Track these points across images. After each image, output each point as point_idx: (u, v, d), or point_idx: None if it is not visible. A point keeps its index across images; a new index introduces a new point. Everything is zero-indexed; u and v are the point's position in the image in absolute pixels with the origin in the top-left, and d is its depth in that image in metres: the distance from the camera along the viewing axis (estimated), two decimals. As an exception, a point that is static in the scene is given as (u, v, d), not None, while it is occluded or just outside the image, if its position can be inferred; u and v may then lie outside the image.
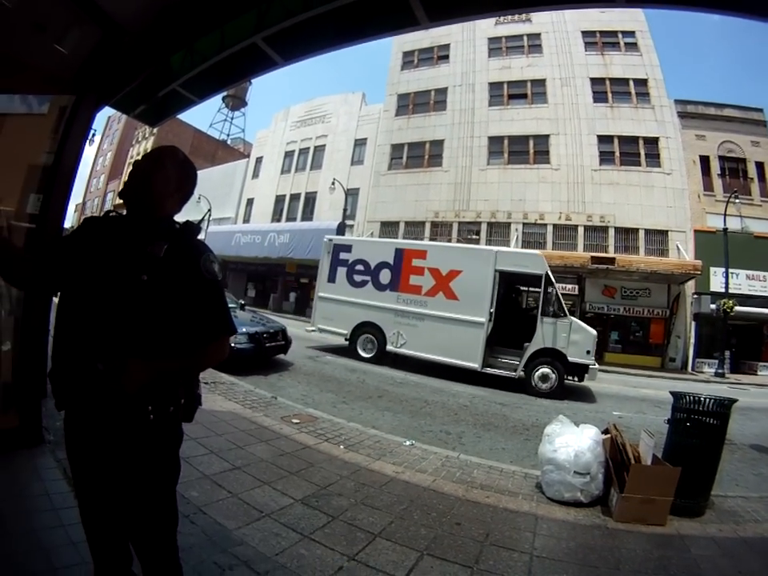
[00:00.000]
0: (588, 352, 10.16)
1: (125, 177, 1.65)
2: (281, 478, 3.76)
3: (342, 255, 12.75)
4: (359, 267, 12.40)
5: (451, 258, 11.46)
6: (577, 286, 21.36)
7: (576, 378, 10.34)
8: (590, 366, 10.13)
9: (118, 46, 3.26)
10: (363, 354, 12.00)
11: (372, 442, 5.06)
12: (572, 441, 3.95)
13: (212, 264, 1.61)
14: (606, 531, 3.46)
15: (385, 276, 11.98)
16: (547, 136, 24.18)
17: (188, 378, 1.64)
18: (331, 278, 12.81)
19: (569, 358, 10.05)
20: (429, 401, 8.16)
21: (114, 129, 57.08)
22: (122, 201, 1.64)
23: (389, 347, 11.68)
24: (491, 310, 10.48)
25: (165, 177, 1.62)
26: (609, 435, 4.18)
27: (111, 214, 1.68)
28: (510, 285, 11.80)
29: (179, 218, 1.71)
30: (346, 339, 12.42)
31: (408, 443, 5.15)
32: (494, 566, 2.79)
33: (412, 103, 28.46)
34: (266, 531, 2.87)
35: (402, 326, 11.58)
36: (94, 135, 31.40)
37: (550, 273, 10.55)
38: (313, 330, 13.17)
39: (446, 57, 28.21)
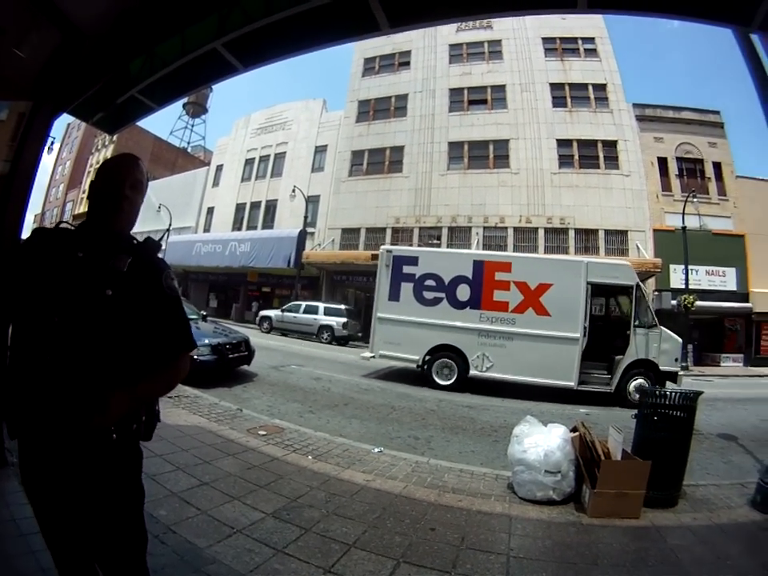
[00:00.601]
0: (676, 360, 10.14)
1: (93, 185, 1.58)
2: (250, 492, 3.69)
3: (407, 269, 11.08)
4: (430, 282, 10.81)
5: (540, 271, 10.48)
6: None
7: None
8: (678, 374, 10.06)
9: (77, 50, 3.17)
10: (440, 382, 10.54)
11: (340, 451, 5.03)
12: (541, 440, 4.00)
13: (173, 281, 1.63)
14: (581, 527, 3.52)
15: (463, 292, 10.59)
16: (507, 141, 24.75)
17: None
18: (393, 296, 11.07)
19: (660, 368, 9.88)
20: (395, 406, 8.19)
21: (74, 136, 55.31)
22: (87, 210, 1.60)
23: (472, 372, 10.43)
24: (585, 325, 9.94)
25: (139, 193, 1.61)
26: (577, 433, 4.24)
27: (61, 226, 1.62)
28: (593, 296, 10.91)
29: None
30: (417, 366, 10.94)
31: (377, 450, 5.14)
32: (471, 569, 2.80)
33: (372, 110, 28.67)
34: (239, 548, 2.81)
35: (488, 348, 10.38)
36: (53, 143, 30.39)
37: (640, 283, 10.41)
38: (371, 357, 11.24)
39: (407, 63, 28.59)
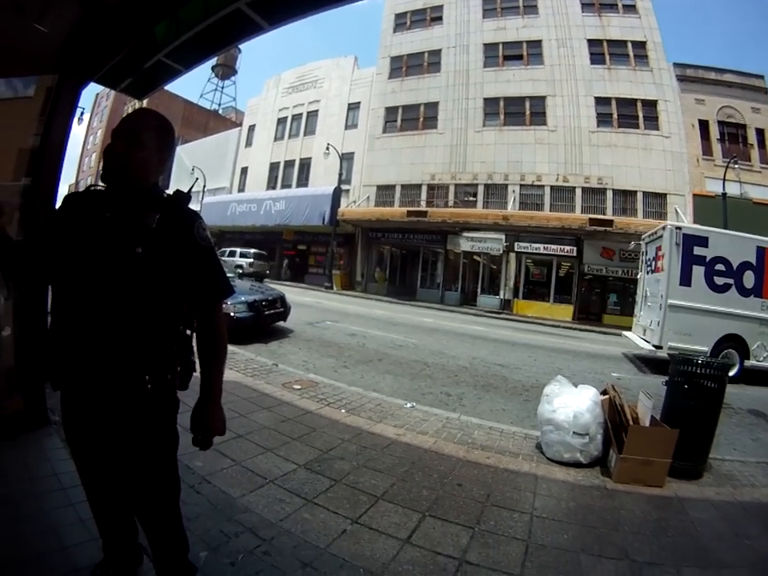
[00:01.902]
0: None
1: (102, 159, 1.57)
2: (283, 444, 3.78)
3: (697, 250, 9.88)
4: (720, 267, 9.83)
5: None
6: (575, 248, 21.24)
7: None
8: None
9: (99, 21, 3.11)
10: None
11: (373, 405, 5.09)
12: (571, 401, 3.95)
13: (204, 231, 1.62)
14: (605, 492, 3.49)
15: (748, 279, 9.80)
16: (544, 97, 23.70)
17: (184, 346, 1.64)
18: (684, 281, 9.79)
19: None
20: (429, 363, 8.19)
21: (103, 106, 55.85)
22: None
23: (750, 362, 9.73)
24: None
25: (145, 153, 1.55)
26: (607, 396, 4.18)
27: (94, 189, 1.63)
28: None
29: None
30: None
31: (409, 405, 5.18)
32: (495, 526, 2.82)
33: (405, 66, 27.80)
34: (270, 498, 2.89)
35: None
36: (82, 114, 30.88)
37: None
38: (658, 348, 9.95)
39: (440, 18, 27.42)
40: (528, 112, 23.92)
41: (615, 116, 22.59)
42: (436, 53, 26.97)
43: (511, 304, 21.94)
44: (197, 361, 1.69)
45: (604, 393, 4.26)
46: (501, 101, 24.58)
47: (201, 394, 1.64)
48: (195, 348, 1.68)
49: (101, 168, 1.57)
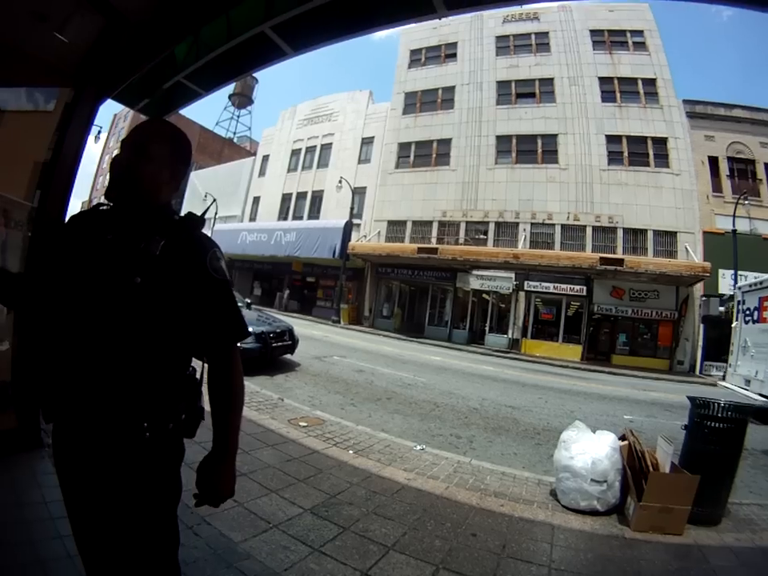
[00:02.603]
0: None
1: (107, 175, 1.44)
2: (289, 486, 3.63)
3: None
4: None
5: None
6: (585, 287, 21.11)
7: None
8: None
9: (121, 36, 3.13)
10: None
11: (382, 447, 4.93)
12: (589, 448, 3.82)
13: (219, 261, 1.40)
14: (623, 541, 3.33)
15: None
16: (555, 135, 24.02)
17: (191, 391, 1.47)
18: None
19: None
20: (438, 403, 8.02)
21: (120, 127, 57.22)
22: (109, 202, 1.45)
23: None
24: None
25: (154, 167, 1.41)
26: (626, 442, 4.04)
27: (101, 208, 1.48)
28: None
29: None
30: None
31: (419, 448, 5.03)
32: None
33: (419, 102, 28.33)
34: (274, 544, 2.73)
35: None
36: (99, 132, 31.52)
37: None
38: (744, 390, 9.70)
39: (454, 55, 28.07)
40: (540, 150, 24.19)
41: (626, 154, 22.76)
42: (450, 89, 27.50)
43: (519, 343, 21.70)
44: (206, 407, 1.50)
45: (623, 438, 4.13)
46: (513, 138, 24.92)
47: (214, 448, 1.42)
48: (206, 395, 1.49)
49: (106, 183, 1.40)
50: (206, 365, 1.48)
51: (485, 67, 26.71)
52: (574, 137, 23.54)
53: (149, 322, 1.31)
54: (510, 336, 22.08)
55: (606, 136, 23.15)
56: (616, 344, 21.48)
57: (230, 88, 57.56)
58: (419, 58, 29.40)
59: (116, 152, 1.42)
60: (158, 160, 1.41)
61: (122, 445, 1.33)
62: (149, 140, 1.41)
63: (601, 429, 4.19)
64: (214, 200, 26.34)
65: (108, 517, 1.40)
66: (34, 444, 3.33)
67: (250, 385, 6.87)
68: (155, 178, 1.41)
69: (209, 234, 1.60)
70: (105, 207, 1.48)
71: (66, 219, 1.56)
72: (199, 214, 1.50)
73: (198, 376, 1.50)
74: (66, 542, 2.20)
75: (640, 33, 24.21)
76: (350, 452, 4.64)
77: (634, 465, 3.80)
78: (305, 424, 5.38)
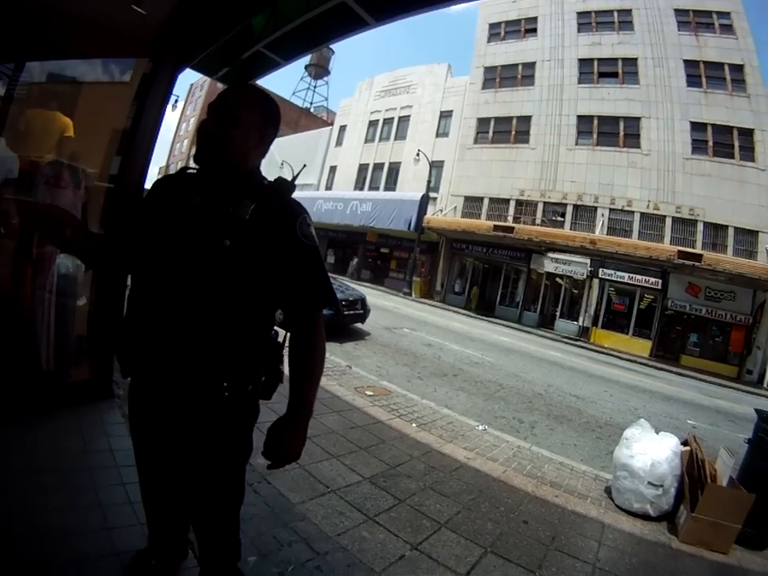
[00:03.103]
0: None
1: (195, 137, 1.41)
2: (350, 453, 3.69)
3: None
4: None
5: None
6: (660, 281, 19.69)
7: None
8: None
9: (198, 7, 3.17)
10: None
11: (445, 423, 4.93)
12: (650, 449, 3.66)
13: (309, 227, 1.41)
14: (669, 551, 3.18)
15: None
16: (638, 119, 22.21)
17: (272, 355, 1.48)
18: None
19: None
20: (504, 385, 7.90)
21: (197, 96, 59.09)
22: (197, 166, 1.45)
23: None
24: None
25: (244, 132, 1.39)
26: (688, 447, 3.85)
27: (189, 172, 1.50)
28: None
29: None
30: None
31: (481, 428, 4.98)
32: (555, 573, 2.61)
33: (499, 77, 27.12)
34: (330, 508, 2.79)
35: None
36: (176, 101, 32.74)
37: None
38: None
39: (534, 30, 26.53)
40: (622, 133, 22.55)
41: (710, 143, 20.65)
42: (530, 65, 26.17)
43: (589, 332, 20.81)
44: (286, 371, 1.51)
45: (685, 443, 3.93)
46: (594, 119, 23.40)
47: (287, 412, 1.41)
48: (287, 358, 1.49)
49: (193, 150, 1.40)
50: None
51: (566, 44, 25.06)
52: (658, 121, 21.67)
53: (236, 285, 1.33)
54: (580, 323, 21.21)
55: (691, 123, 21.08)
56: (686, 343, 20.00)
57: (306, 59, 57.67)
58: (498, 31, 28.05)
59: (203, 117, 1.41)
60: (247, 124, 1.40)
61: (201, 402, 1.37)
62: (238, 104, 1.39)
63: (664, 430, 4.02)
64: (304, 165, 26.63)
65: (182, 468, 1.49)
66: (105, 395, 3.49)
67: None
68: (244, 143, 1.40)
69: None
70: (192, 171, 1.50)
71: (153, 182, 1.58)
72: (286, 179, 1.48)
73: (280, 340, 1.51)
74: (128, 488, 2.33)
75: (726, 15, 21.62)
76: (414, 425, 4.66)
77: (693, 473, 3.60)
78: (371, 393, 5.45)
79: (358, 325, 10.05)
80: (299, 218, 1.39)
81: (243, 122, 1.38)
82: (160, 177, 1.58)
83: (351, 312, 9.46)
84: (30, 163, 3.19)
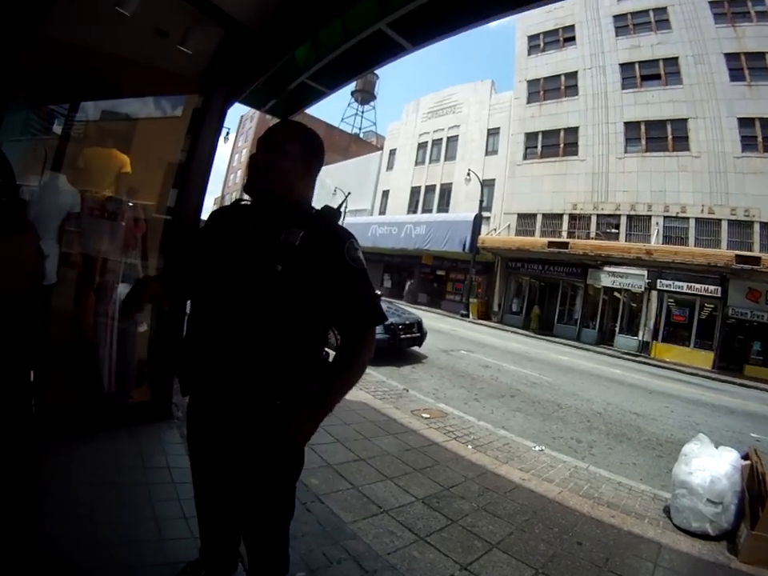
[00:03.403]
0: None
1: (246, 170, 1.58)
2: (404, 474, 3.71)
3: None
4: None
5: None
6: (719, 288, 18.52)
7: None
8: None
9: (242, 43, 3.40)
10: None
11: (500, 444, 4.86)
12: (709, 464, 3.48)
13: (356, 252, 1.50)
14: (728, 572, 2.99)
15: None
16: (685, 120, 21.28)
17: (323, 374, 1.54)
18: None
19: None
20: (562, 404, 7.71)
21: (248, 127, 61.51)
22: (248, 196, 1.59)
23: None
24: None
25: (289, 164, 1.52)
26: (749, 462, 3.62)
27: (242, 203, 1.63)
28: None
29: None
30: None
31: (537, 448, 4.88)
32: None
33: (542, 89, 26.89)
34: (382, 528, 2.82)
35: None
36: (228, 133, 34.13)
37: None
38: None
39: (572, 39, 26.18)
40: (670, 136, 21.70)
41: (759, 139, 19.43)
42: (572, 75, 25.78)
43: (649, 346, 19.81)
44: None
45: (746, 457, 3.70)
46: (642, 125, 22.66)
47: (307, 402, 1.47)
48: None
49: (245, 181, 1.54)
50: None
51: (605, 49, 24.56)
52: (705, 121, 20.68)
53: (288, 307, 1.42)
54: (640, 338, 20.26)
55: (738, 119, 19.95)
56: (750, 353, 18.57)
57: (351, 85, 59.11)
58: (537, 43, 27.85)
59: (252, 151, 1.56)
60: (293, 156, 1.52)
61: (255, 419, 1.46)
62: (284, 138, 1.53)
63: (725, 445, 3.83)
64: (348, 193, 27.31)
65: (236, 482, 1.58)
66: (164, 416, 3.68)
67: (377, 375, 7.13)
68: (290, 175, 1.52)
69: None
70: (245, 202, 1.64)
71: (209, 214, 1.73)
72: (335, 206, 1.59)
73: (330, 360, 1.59)
74: (183, 504, 2.47)
75: (761, 1, 20.45)
76: (469, 446, 4.62)
77: (753, 487, 3.37)
78: (427, 416, 5.45)
79: (415, 348, 10.07)
80: (347, 243, 1.47)
81: (288, 154, 1.51)
82: (216, 208, 1.72)
83: (408, 335, 9.52)
84: (91, 198, 3.48)
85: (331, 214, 1.53)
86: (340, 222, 1.57)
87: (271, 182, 1.50)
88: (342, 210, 1.64)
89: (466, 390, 7.63)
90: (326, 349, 1.62)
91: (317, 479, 3.30)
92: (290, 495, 1.65)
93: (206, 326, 1.52)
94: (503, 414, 6.50)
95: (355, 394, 5.83)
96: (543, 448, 4.93)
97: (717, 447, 3.71)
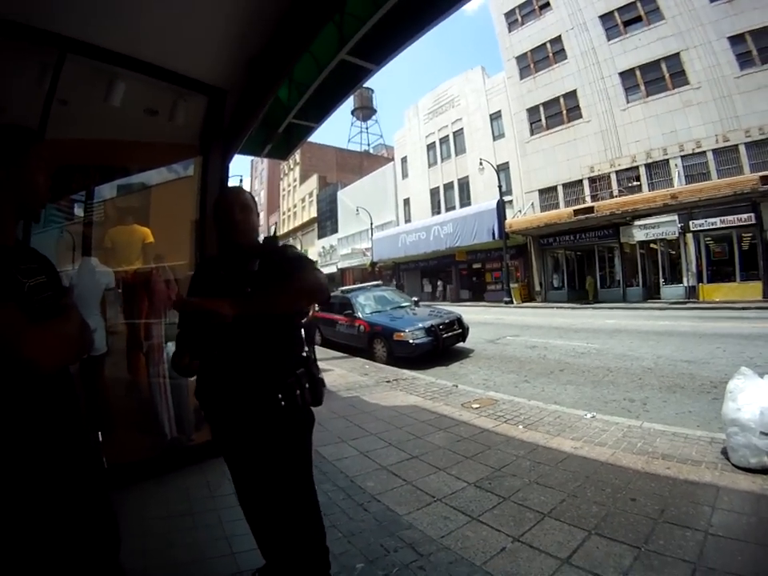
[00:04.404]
0: None
1: (214, 217, 2.01)
2: (456, 463, 3.82)
3: None
4: None
5: None
6: (753, 214, 17.67)
7: None
8: None
9: (224, 104, 3.69)
10: None
11: (552, 419, 4.89)
12: (757, 396, 3.36)
13: (293, 248, 2.01)
14: None
15: None
16: (677, 54, 20.62)
17: (307, 366, 1.86)
18: None
19: None
20: (611, 368, 7.62)
21: (260, 169, 63.02)
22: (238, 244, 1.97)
23: None
24: None
25: (256, 217, 2.02)
26: None
27: (209, 257, 2.20)
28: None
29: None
30: None
31: (589, 416, 4.87)
32: (663, 546, 2.50)
33: (532, 62, 26.68)
34: (436, 515, 2.96)
35: None
36: (241, 180, 35.15)
37: None
38: None
39: (547, 4, 25.89)
40: (667, 75, 21.06)
41: (754, 52, 18.54)
42: (557, 40, 25.46)
43: (696, 290, 19.10)
44: (323, 376, 1.93)
45: None
46: (636, 71, 22.11)
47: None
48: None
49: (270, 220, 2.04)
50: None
51: (582, 6, 24.08)
52: (696, 50, 19.97)
53: (263, 317, 1.74)
54: (685, 284, 19.59)
55: (728, 38, 19.16)
56: None
57: (350, 104, 59.52)
58: (515, 18, 27.68)
59: (224, 216, 1.97)
60: (256, 212, 2.04)
61: (266, 415, 1.76)
62: (247, 200, 1.99)
63: None
64: (371, 227, 27.01)
65: (261, 481, 1.82)
66: None
67: (426, 377, 7.30)
68: (255, 225, 2.02)
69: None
70: (211, 256, 2.14)
71: (196, 267, 2.27)
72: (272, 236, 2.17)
73: (312, 356, 1.97)
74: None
75: None
76: (520, 427, 4.67)
77: None
78: (477, 406, 5.53)
79: (460, 344, 10.17)
80: (286, 247, 1.98)
81: (254, 211, 2.01)
82: (198, 263, 2.15)
83: (450, 333, 9.66)
84: (123, 272, 3.86)
85: (272, 241, 2.05)
86: (368, 239, 1.94)
87: (250, 233, 1.97)
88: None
89: (515, 374, 7.68)
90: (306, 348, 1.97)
91: (372, 482, 3.48)
92: (307, 480, 1.88)
93: (209, 353, 1.80)
94: (554, 390, 6.52)
95: (405, 399, 5.99)
96: (595, 414, 4.91)
97: (762, 377, 3.56)
